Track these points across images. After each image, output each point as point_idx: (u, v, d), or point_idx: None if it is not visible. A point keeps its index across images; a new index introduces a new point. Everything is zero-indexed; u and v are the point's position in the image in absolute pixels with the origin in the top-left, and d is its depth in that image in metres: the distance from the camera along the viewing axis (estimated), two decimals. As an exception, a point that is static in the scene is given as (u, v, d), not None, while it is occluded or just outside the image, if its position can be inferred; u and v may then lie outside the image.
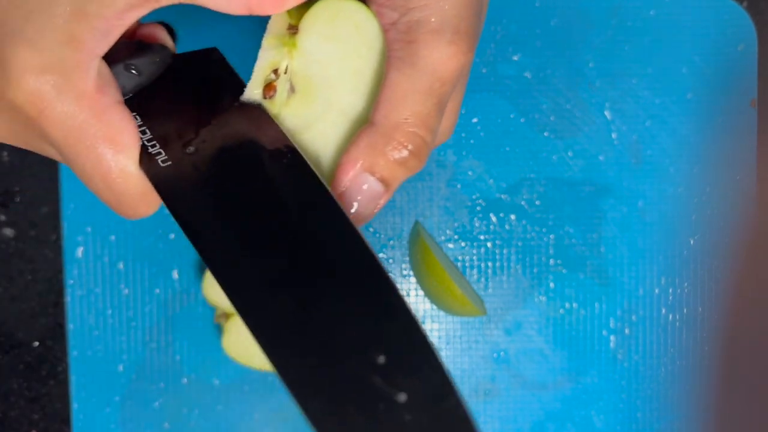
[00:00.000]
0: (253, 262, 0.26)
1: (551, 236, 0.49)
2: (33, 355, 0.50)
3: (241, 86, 0.31)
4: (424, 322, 0.50)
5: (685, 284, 0.49)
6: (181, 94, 0.30)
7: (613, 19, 0.49)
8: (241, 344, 0.45)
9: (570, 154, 0.49)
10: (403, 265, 0.50)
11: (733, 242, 0.49)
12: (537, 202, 0.49)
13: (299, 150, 0.29)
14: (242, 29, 0.49)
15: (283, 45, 0.31)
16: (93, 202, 0.49)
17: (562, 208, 0.49)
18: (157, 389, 0.49)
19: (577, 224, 0.49)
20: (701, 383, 0.49)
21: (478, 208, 0.49)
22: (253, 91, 0.31)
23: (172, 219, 0.50)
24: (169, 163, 0.28)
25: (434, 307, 0.49)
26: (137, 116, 0.29)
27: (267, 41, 0.30)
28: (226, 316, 0.45)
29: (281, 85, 0.31)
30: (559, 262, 0.49)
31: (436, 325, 0.50)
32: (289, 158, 0.29)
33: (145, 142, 0.28)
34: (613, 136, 0.49)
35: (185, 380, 0.49)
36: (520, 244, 0.49)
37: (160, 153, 0.28)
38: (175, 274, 0.49)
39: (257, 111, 0.31)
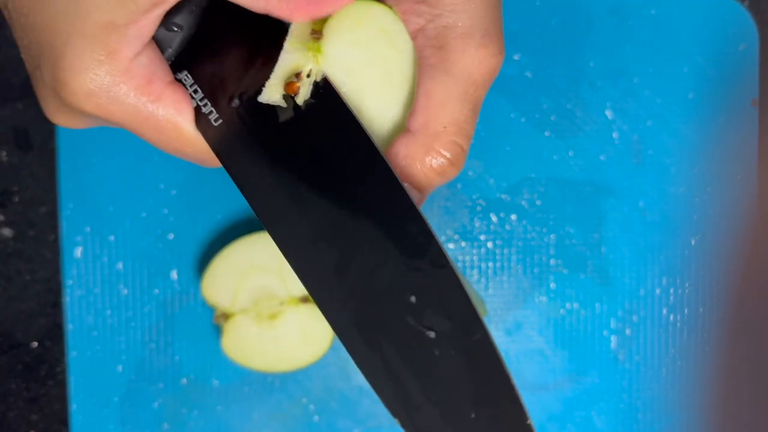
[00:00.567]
0: (301, 214, 0.28)
1: (552, 236, 0.49)
2: (31, 356, 0.50)
3: (281, 27, 0.30)
4: (424, 323, 0.50)
5: (687, 284, 0.49)
6: (222, 40, 0.31)
7: (614, 19, 0.49)
8: (240, 345, 0.45)
9: (571, 153, 0.49)
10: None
11: (735, 242, 0.49)
12: (538, 202, 0.49)
13: (345, 100, 0.30)
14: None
15: (307, 49, 0.30)
16: (92, 202, 0.49)
17: (563, 208, 0.49)
18: (157, 390, 0.49)
19: (578, 224, 0.49)
20: (702, 384, 0.49)
21: (479, 208, 0.49)
22: (272, 92, 0.30)
23: (172, 219, 0.50)
24: (220, 121, 0.30)
25: (434, 307, 0.49)
26: (188, 75, 0.30)
27: (290, 44, 0.30)
28: (226, 316, 0.45)
29: (304, 88, 0.30)
30: (559, 262, 0.49)
31: (436, 326, 0.50)
32: (336, 109, 0.30)
33: (198, 103, 0.30)
34: (614, 135, 0.49)
35: (184, 381, 0.49)
36: (520, 244, 0.49)
37: (211, 112, 0.30)
38: (175, 275, 0.49)
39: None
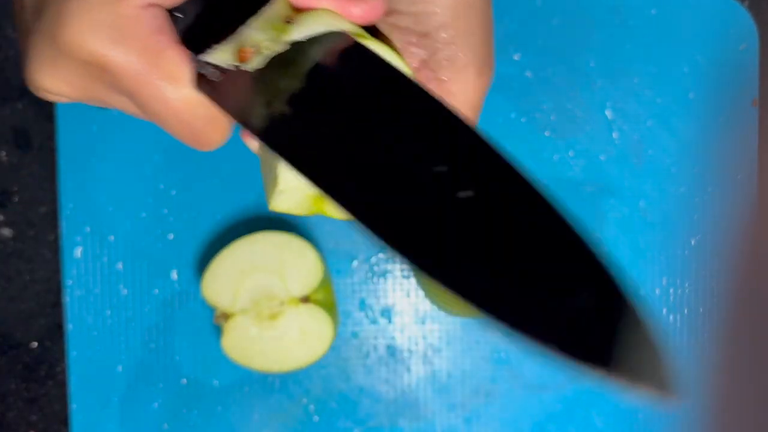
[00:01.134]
0: (329, 147, 0.27)
1: (552, 236, 0.49)
2: (31, 356, 0.50)
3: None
4: (424, 323, 0.50)
5: (686, 284, 0.49)
6: (222, 25, 0.30)
7: (615, 19, 0.49)
8: (240, 345, 0.45)
9: (571, 153, 0.49)
10: (403, 266, 0.50)
11: (735, 242, 0.49)
12: (538, 202, 0.49)
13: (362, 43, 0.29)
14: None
15: (273, 29, 0.29)
16: (92, 202, 0.49)
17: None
18: (156, 390, 0.49)
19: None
20: (702, 384, 0.49)
21: (479, 208, 0.49)
22: (221, 54, 0.29)
23: (172, 219, 0.50)
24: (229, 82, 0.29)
25: (434, 307, 0.49)
26: (195, 53, 0.30)
27: (255, 22, 0.29)
28: (226, 316, 0.45)
29: (257, 58, 0.29)
30: (559, 262, 0.49)
31: (436, 326, 0.50)
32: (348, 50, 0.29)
33: (204, 71, 0.29)
34: (615, 135, 0.49)
35: (184, 381, 0.49)
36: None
37: (219, 77, 0.29)
38: (174, 275, 0.49)
39: None
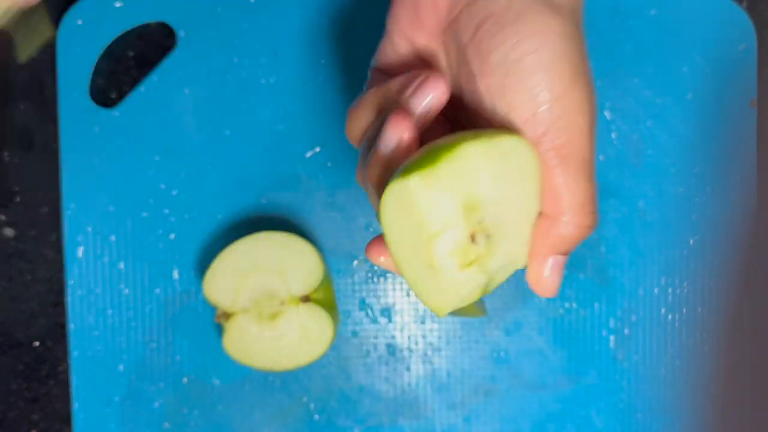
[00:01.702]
0: None
1: (551, 236, 0.49)
2: (33, 356, 0.50)
3: None
4: (423, 323, 0.50)
5: (685, 284, 0.49)
6: None
7: (614, 19, 0.49)
8: (241, 344, 0.45)
9: (570, 154, 0.49)
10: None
11: (734, 242, 0.49)
12: (537, 202, 0.49)
13: None
14: (254, 26, 0.49)
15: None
16: (93, 202, 0.49)
17: (562, 208, 0.49)
18: (158, 389, 0.49)
19: (577, 224, 0.49)
20: (701, 383, 0.49)
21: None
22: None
23: (173, 219, 0.50)
24: None
25: (434, 307, 0.50)
26: None
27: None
28: (227, 315, 0.46)
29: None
30: (559, 262, 0.49)
31: (436, 326, 0.50)
32: None
33: None
34: (613, 135, 0.49)
35: (185, 380, 0.49)
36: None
37: None
38: (176, 274, 0.49)
39: None
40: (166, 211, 0.49)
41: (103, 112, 0.49)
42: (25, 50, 0.49)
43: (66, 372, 0.50)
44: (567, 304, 0.49)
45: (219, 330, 0.49)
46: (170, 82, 0.49)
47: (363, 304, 0.50)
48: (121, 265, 0.49)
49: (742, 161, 0.49)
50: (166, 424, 0.49)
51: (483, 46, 0.30)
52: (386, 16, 0.33)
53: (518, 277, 0.50)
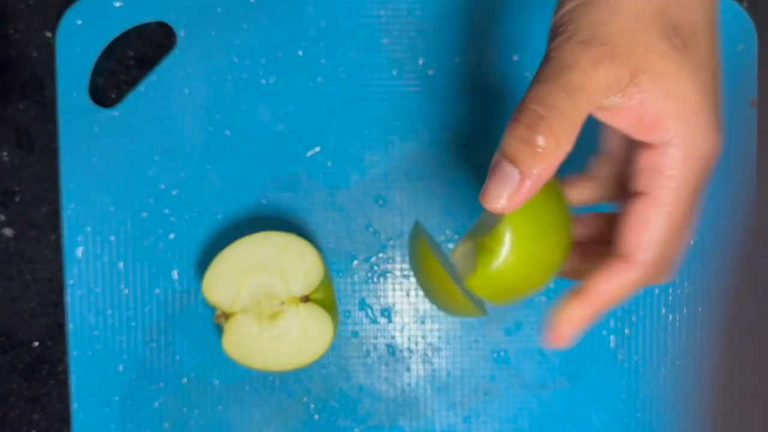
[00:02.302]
0: None
1: (551, 236, 0.49)
2: (33, 355, 0.50)
3: None
4: (423, 323, 0.50)
5: (685, 284, 0.49)
6: None
7: (613, 19, 0.49)
8: (241, 344, 0.45)
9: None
10: (403, 265, 0.50)
11: (734, 242, 0.49)
12: (537, 202, 0.49)
13: None
14: (254, 34, 0.49)
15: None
16: (93, 202, 0.49)
17: (562, 208, 0.49)
18: (157, 389, 0.49)
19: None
20: (701, 383, 0.49)
21: (479, 207, 0.49)
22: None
23: (173, 219, 0.50)
24: None
25: (434, 307, 0.50)
26: None
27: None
28: (226, 316, 0.46)
29: None
30: (559, 262, 0.49)
31: (436, 326, 0.50)
32: None
33: None
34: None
35: (185, 380, 0.49)
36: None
37: None
38: (175, 274, 0.49)
39: None
40: (166, 211, 0.49)
41: (103, 111, 0.49)
42: None
43: (66, 372, 0.51)
44: (567, 304, 0.50)
45: (219, 330, 0.49)
46: (170, 81, 0.49)
47: (363, 305, 0.50)
48: (121, 265, 0.49)
49: (742, 161, 0.49)
50: (166, 424, 0.49)
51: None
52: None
53: (518, 277, 0.50)
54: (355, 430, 0.50)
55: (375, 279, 0.50)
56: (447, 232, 0.50)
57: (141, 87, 0.49)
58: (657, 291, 0.49)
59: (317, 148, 0.49)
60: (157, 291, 0.49)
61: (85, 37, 0.48)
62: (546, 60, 0.31)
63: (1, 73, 0.50)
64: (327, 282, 0.47)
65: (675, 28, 0.30)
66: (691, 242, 0.49)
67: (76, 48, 0.48)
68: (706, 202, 0.49)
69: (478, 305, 0.48)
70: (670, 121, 0.30)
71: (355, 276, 0.50)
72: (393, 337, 0.50)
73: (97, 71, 0.49)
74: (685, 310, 0.49)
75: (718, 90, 0.31)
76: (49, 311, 0.50)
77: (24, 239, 0.50)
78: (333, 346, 0.50)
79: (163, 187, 0.49)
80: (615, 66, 0.29)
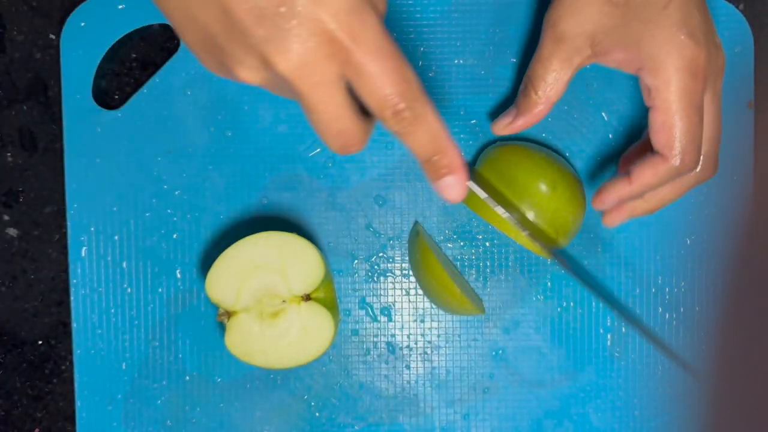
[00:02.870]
0: None
1: (549, 236, 0.49)
2: (36, 354, 0.51)
3: None
4: (423, 321, 0.50)
5: (682, 283, 0.50)
6: None
7: (611, 22, 0.49)
8: (243, 342, 0.45)
9: (567, 154, 0.50)
10: (403, 265, 0.50)
11: (731, 242, 0.49)
12: (535, 203, 0.49)
13: None
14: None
15: None
16: (96, 202, 0.49)
17: (560, 208, 0.49)
18: (160, 387, 0.49)
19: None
20: (697, 382, 0.49)
21: (477, 208, 0.49)
22: None
23: (176, 219, 0.51)
24: None
25: (433, 305, 0.50)
26: None
27: None
28: (229, 314, 0.46)
29: None
30: (557, 261, 0.50)
31: (435, 324, 0.50)
32: None
33: None
34: (610, 136, 0.50)
35: (188, 378, 0.49)
36: (518, 243, 0.49)
37: None
38: (178, 273, 0.49)
39: None
40: (169, 211, 0.49)
41: (106, 113, 0.49)
42: None
43: (69, 370, 0.51)
44: (564, 303, 0.50)
45: (221, 329, 0.49)
46: (173, 83, 0.49)
47: (363, 303, 0.50)
48: (124, 265, 0.49)
49: (739, 162, 0.49)
50: (169, 422, 0.49)
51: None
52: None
53: (516, 276, 0.50)
54: (356, 427, 0.50)
55: (375, 278, 0.50)
56: (446, 232, 0.50)
57: (144, 89, 0.49)
58: (654, 290, 0.50)
59: (318, 149, 0.50)
60: (160, 290, 0.49)
61: (89, 39, 0.48)
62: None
63: (5, 74, 0.50)
64: (328, 281, 0.47)
65: None
66: (688, 242, 0.50)
67: (80, 50, 0.48)
68: (703, 203, 0.49)
69: (477, 303, 0.48)
70: (634, 53, 0.40)
71: (356, 275, 0.50)
72: (393, 336, 0.50)
73: (101, 73, 0.50)
74: (682, 309, 0.50)
75: (687, 5, 0.40)
76: (53, 310, 0.51)
77: (28, 239, 0.50)
78: (333, 345, 0.50)
79: (166, 187, 0.49)
80: (567, 42, 0.41)
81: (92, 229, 0.49)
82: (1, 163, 0.50)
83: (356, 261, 0.50)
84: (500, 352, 0.50)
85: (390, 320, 0.50)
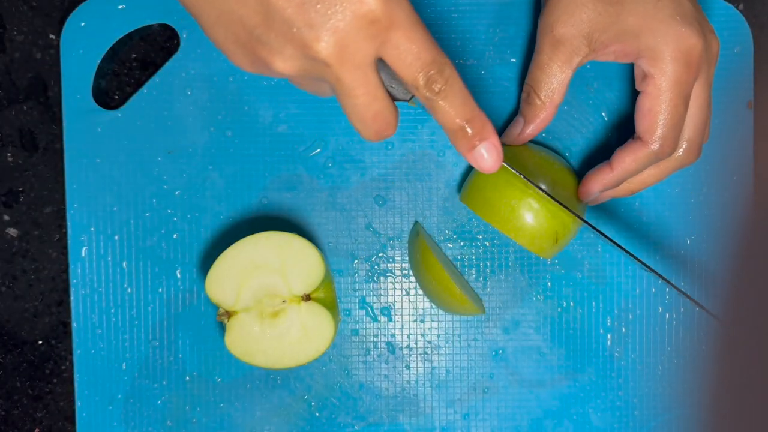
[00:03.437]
0: None
1: (549, 236, 0.49)
2: (37, 354, 0.51)
3: None
4: (423, 321, 0.50)
5: (682, 283, 0.50)
6: None
7: (611, 22, 0.49)
8: (243, 342, 0.45)
9: (567, 154, 0.50)
10: (403, 265, 0.50)
11: (730, 242, 0.49)
12: (535, 203, 0.49)
13: None
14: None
15: None
16: (97, 202, 0.49)
17: (560, 208, 0.49)
18: (160, 387, 0.49)
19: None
20: (697, 382, 0.49)
21: (477, 208, 0.49)
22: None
23: (176, 219, 0.51)
24: None
25: (433, 305, 0.50)
26: None
27: None
28: (229, 314, 0.46)
29: None
30: (556, 261, 0.50)
31: (435, 324, 0.50)
32: None
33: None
34: (610, 137, 0.50)
35: (188, 378, 0.49)
36: (518, 243, 0.49)
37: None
38: (179, 273, 0.49)
39: None
40: (169, 211, 0.49)
41: (106, 113, 0.49)
42: None
43: (69, 370, 0.51)
44: (564, 303, 0.50)
45: (221, 329, 0.49)
46: (173, 83, 0.49)
47: (363, 303, 0.50)
48: (125, 265, 0.49)
49: (739, 162, 0.49)
50: (169, 422, 0.49)
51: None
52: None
53: (516, 276, 0.50)
54: (356, 427, 0.50)
55: (375, 278, 0.50)
56: (446, 232, 0.50)
57: (144, 89, 0.49)
58: (653, 290, 0.50)
59: (318, 149, 0.50)
60: (161, 290, 0.49)
61: (89, 39, 0.48)
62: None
63: (5, 74, 0.50)
64: (328, 281, 0.47)
65: None
66: (688, 242, 0.50)
67: (80, 50, 0.48)
68: (703, 203, 0.49)
69: (477, 303, 0.48)
70: (633, 46, 0.41)
71: (356, 275, 0.50)
72: (393, 336, 0.50)
73: (101, 73, 0.50)
74: (681, 309, 0.50)
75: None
76: (53, 310, 0.51)
77: (28, 239, 0.51)
78: (333, 345, 0.50)
79: (166, 187, 0.49)
80: (565, 45, 0.42)
81: (92, 229, 0.49)
82: (1, 163, 0.50)
83: (356, 261, 0.50)
84: (500, 352, 0.50)
85: (390, 320, 0.50)
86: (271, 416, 0.50)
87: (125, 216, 0.49)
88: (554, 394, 0.50)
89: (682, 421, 0.50)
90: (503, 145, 0.49)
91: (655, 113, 0.42)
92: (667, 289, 0.50)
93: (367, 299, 0.50)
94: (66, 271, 0.50)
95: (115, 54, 0.50)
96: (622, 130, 0.50)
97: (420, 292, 0.50)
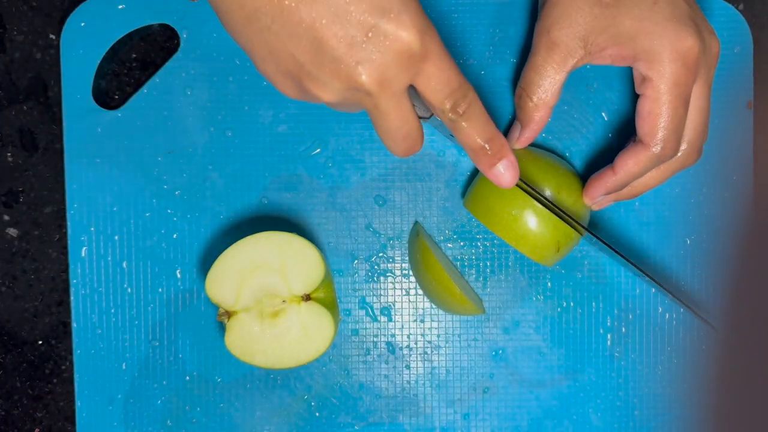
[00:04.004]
0: None
1: (549, 236, 0.49)
2: (37, 354, 0.51)
3: None
4: (423, 321, 0.50)
5: (682, 283, 0.50)
6: None
7: (611, 22, 0.49)
8: (243, 342, 0.45)
9: (567, 155, 0.50)
10: (403, 265, 0.50)
11: (730, 242, 0.49)
12: (535, 203, 0.49)
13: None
14: (244, 31, 0.49)
15: None
16: (97, 202, 0.49)
17: (560, 208, 0.49)
18: (160, 387, 0.49)
19: (575, 224, 0.49)
20: (697, 382, 0.49)
21: (477, 208, 0.49)
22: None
23: (175, 219, 0.51)
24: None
25: (433, 305, 0.50)
26: None
27: None
28: (229, 314, 0.46)
29: None
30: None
31: (435, 324, 0.50)
32: None
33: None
34: (611, 137, 0.50)
35: (188, 378, 0.49)
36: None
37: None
38: (178, 273, 0.49)
39: None
40: (169, 211, 0.49)
41: (106, 113, 0.49)
42: None
43: (69, 370, 0.51)
44: (564, 303, 0.50)
45: (221, 328, 0.49)
46: (173, 83, 0.49)
47: (363, 303, 0.50)
48: (125, 265, 0.49)
49: (738, 162, 0.49)
50: (169, 422, 0.49)
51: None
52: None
53: (516, 276, 0.50)
54: (356, 427, 0.50)
55: (375, 278, 0.50)
56: (446, 232, 0.50)
57: (144, 89, 0.49)
58: (653, 290, 0.50)
59: (318, 149, 0.50)
60: (161, 290, 0.49)
61: (89, 39, 0.48)
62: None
63: (5, 74, 0.50)
64: (328, 281, 0.47)
65: None
66: (688, 242, 0.50)
67: (80, 50, 0.48)
68: (703, 203, 0.49)
69: (477, 303, 0.48)
70: (629, 49, 0.41)
71: (356, 275, 0.50)
72: (393, 336, 0.50)
73: (101, 73, 0.50)
74: (681, 309, 0.50)
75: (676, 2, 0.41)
76: (53, 310, 0.51)
77: (28, 239, 0.51)
78: (333, 345, 0.50)
79: (166, 187, 0.49)
80: (561, 47, 0.42)
81: (92, 229, 0.49)
82: (1, 163, 0.50)
83: (356, 261, 0.50)
84: (500, 352, 0.50)
85: (390, 320, 0.50)
86: (271, 416, 0.50)
87: (125, 216, 0.49)
88: (554, 394, 0.50)
89: (682, 421, 0.50)
90: None
91: (656, 116, 0.42)
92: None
93: (367, 299, 0.50)
94: (66, 271, 0.50)
95: (115, 54, 0.50)
96: (623, 131, 0.50)
97: (420, 292, 0.50)
